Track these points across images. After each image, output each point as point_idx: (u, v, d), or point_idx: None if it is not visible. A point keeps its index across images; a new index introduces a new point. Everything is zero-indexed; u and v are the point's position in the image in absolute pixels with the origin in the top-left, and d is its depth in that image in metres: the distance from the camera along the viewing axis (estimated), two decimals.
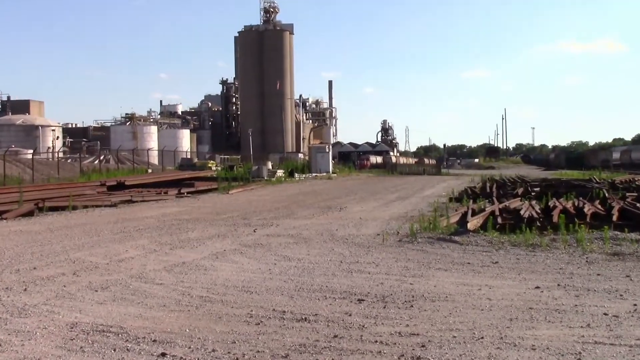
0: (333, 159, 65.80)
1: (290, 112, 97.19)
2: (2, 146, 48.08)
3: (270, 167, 48.05)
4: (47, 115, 78.77)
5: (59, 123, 71.37)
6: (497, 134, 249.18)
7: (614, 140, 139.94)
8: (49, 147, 58.25)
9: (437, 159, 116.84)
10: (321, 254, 10.78)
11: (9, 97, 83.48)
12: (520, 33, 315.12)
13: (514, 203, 18.45)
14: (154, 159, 61.27)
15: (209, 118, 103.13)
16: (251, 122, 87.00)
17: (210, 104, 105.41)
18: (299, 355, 5.29)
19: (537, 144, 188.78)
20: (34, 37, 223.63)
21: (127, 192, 26.48)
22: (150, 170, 45.87)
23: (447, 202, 21.32)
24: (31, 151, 44.39)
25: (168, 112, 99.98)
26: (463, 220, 14.21)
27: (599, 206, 16.02)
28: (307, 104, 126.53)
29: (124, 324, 6.30)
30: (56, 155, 48.83)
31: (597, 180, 31.55)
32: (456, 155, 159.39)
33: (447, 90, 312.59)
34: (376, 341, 5.65)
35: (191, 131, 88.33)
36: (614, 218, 13.59)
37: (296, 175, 46.68)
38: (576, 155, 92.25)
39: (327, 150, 58.03)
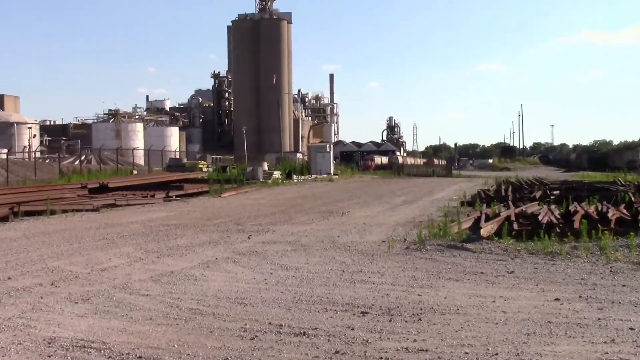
0: (334, 159, 65.80)
1: (288, 109, 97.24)
2: None
3: (266, 168, 48.04)
4: (22, 112, 78.86)
5: (36, 120, 71.52)
6: (513, 133, 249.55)
7: None
8: (25, 146, 58.33)
9: (448, 159, 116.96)
10: (321, 263, 10.78)
11: None
12: (538, 23, 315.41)
13: (532, 207, 18.44)
14: (140, 159, 61.28)
15: (200, 115, 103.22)
16: (245, 119, 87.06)
17: (200, 99, 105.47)
18: None
19: (556, 143, 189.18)
20: (8, 27, 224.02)
21: (110, 195, 26.48)
22: (135, 172, 45.86)
23: (459, 206, 21.31)
24: (5, 150, 44.46)
25: (155, 109, 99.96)
26: (476, 226, 14.20)
27: (625, 211, 16.01)
28: (307, 99, 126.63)
29: (106, 338, 6.29)
30: (33, 155, 48.85)
31: (623, 182, 31.53)
32: (468, 156, 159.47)
33: (458, 85, 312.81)
34: (381, 357, 5.65)
35: (180, 129, 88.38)
36: None
37: (294, 177, 46.68)
38: (599, 156, 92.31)
39: (328, 150, 58.04)
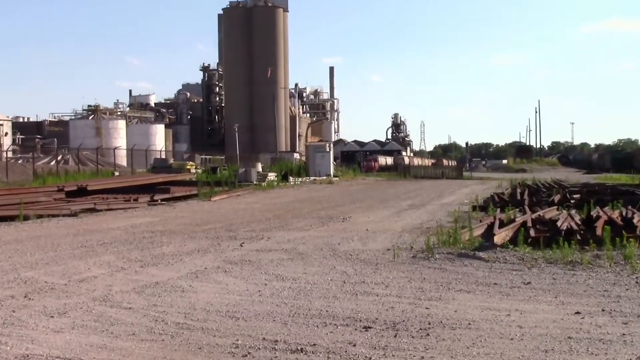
0: (335, 159, 65.84)
1: (284, 104, 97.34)
2: None
3: (260, 169, 48.07)
4: None
5: (7, 117, 71.35)
6: (530, 131, 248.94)
7: None
8: None
9: (458, 160, 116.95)
10: (320, 273, 10.77)
11: None
12: (559, 9, 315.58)
13: (550, 212, 18.45)
14: (122, 159, 61.24)
15: (188, 111, 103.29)
16: (237, 116, 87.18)
17: (189, 94, 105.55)
18: None
19: (577, 142, 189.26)
20: None
21: (89, 199, 26.46)
22: (117, 173, 45.86)
23: (470, 211, 21.33)
24: None
25: (139, 104, 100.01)
26: (489, 233, 14.21)
27: None
28: (304, 94, 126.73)
29: (84, 356, 6.28)
30: (4, 155, 48.82)
31: None
32: (481, 156, 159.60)
33: (470, 78, 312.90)
34: None
35: (166, 126, 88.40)
36: None
37: (291, 179, 46.71)
38: (624, 156, 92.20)
39: (328, 150, 58.09)
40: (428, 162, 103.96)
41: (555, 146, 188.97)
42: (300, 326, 7.38)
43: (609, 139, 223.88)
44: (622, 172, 67.78)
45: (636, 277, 10.04)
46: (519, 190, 29.46)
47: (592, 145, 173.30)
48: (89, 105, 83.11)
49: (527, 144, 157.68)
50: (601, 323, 7.39)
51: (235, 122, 77.05)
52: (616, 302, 8.44)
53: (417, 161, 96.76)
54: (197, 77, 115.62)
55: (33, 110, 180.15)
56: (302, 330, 7.19)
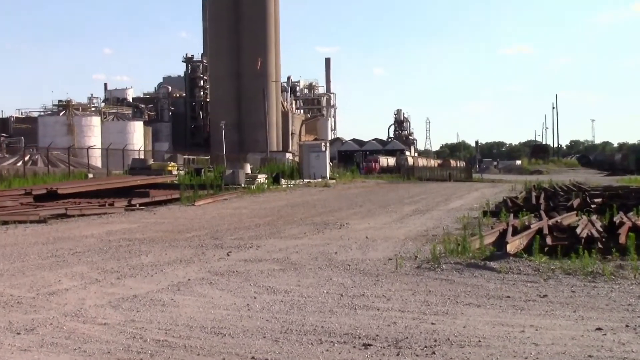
0: (331, 160, 65.90)
1: (275, 100, 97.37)
2: None
3: (249, 170, 48.05)
4: None
5: None
6: (546, 128, 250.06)
7: None
8: None
9: (467, 160, 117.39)
10: (315, 285, 10.78)
11: None
12: None
13: (568, 218, 18.47)
14: (97, 160, 61.20)
15: (169, 107, 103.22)
16: (224, 113, 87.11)
17: (170, 88, 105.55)
18: None
19: (598, 140, 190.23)
20: None
21: (60, 204, 26.42)
22: (91, 175, 45.81)
23: (480, 216, 21.33)
24: None
25: (115, 99, 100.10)
26: (501, 241, 14.21)
27: None
28: (298, 88, 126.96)
29: None
30: None
31: None
32: (492, 156, 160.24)
33: (480, 71, 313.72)
34: None
35: (145, 124, 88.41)
36: None
37: (283, 181, 46.71)
38: None
39: (324, 149, 58.11)
40: (434, 162, 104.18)
41: (575, 145, 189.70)
42: (293, 344, 7.37)
43: (633, 138, 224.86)
44: None
45: None
46: (534, 194, 29.49)
47: (615, 145, 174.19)
48: (59, 100, 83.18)
49: (544, 143, 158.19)
50: (625, 340, 7.40)
51: (222, 119, 77.04)
52: None
53: (421, 162, 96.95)
54: (179, 70, 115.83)
55: None
56: (295, 348, 7.18)
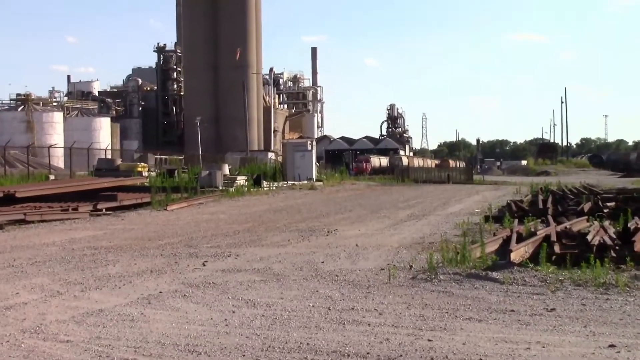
0: (318, 160, 65.96)
1: (256, 93, 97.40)
2: None
3: (227, 172, 47.97)
4: None
5: None
6: (554, 125, 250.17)
7: None
8: None
9: (468, 160, 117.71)
10: (300, 298, 10.77)
11: None
12: None
13: (578, 224, 18.52)
14: (59, 160, 61.01)
15: (139, 101, 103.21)
16: (200, 108, 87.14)
17: (140, 81, 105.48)
18: None
19: (611, 139, 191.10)
20: None
21: (18, 208, 26.31)
22: (52, 177, 45.65)
23: (482, 222, 21.39)
24: None
25: (79, 93, 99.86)
26: (504, 249, 14.24)
27: None
28: (281, 81, 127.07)
29: None
30: None
31: None
32: (495, 156, 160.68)
33: (482, 62, 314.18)
34: None
35: (112, 120, 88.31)
36: None
37: (265, 183, 46.73)
38: None
39: (310, 148, 58.11)
40: (431, 163, 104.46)
41: (585, 144, 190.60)
42: None
43: None
44: None
45: None
46: (541, 197, 29.58)
47: (630, 143, 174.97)
48: (17, 94, 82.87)
49: (551, 141, 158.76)
50: None
51: (197, 115, 77.10)
52: None
53: (417, 162, 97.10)
54: (150, 60, 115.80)
55: None
56: None
